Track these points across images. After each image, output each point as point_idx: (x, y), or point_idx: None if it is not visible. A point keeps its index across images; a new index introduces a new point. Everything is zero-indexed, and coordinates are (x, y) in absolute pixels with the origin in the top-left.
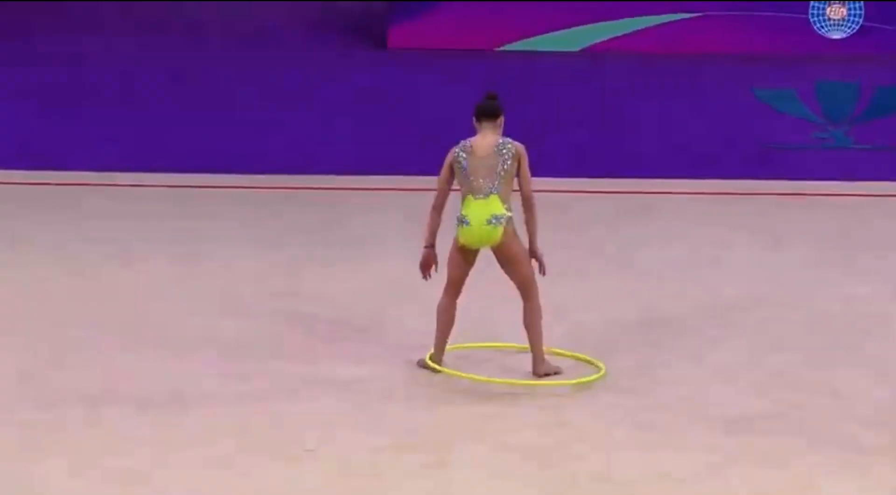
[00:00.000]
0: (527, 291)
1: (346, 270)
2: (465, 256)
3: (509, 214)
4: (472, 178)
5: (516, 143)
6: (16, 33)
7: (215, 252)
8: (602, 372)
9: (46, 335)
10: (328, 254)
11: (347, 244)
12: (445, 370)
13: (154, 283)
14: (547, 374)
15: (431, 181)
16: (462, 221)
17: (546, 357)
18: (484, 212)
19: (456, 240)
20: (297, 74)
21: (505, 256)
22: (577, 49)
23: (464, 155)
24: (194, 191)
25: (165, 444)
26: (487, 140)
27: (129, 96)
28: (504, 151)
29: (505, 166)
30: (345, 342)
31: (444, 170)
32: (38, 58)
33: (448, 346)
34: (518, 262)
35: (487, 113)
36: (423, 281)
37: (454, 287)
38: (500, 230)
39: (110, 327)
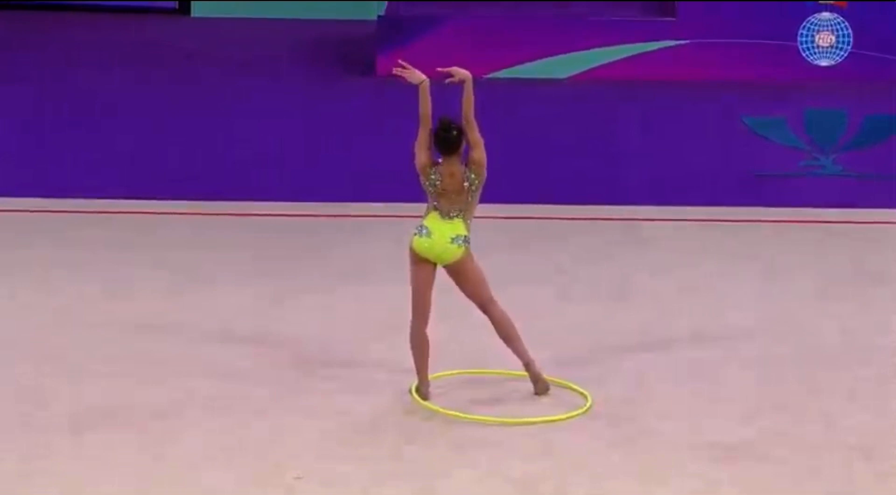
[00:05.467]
0: (487, 308)
1: (334, 298)
2: (422, 268)
3: (469, 236)
4: (442, 207)
5: (475, 169)
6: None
7: (202, 280)
8: (588, 404)
9: (33, 363)
10: (315, 283)
11: (335, 272)
12: (429, 405)
13: (142, 311)
14: (540, 380)
15: (421, 208)
16: (422, 230)
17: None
18: (448, 231)
19: (410, 252)
20: (286, 101)
21: (460, 273)
22: (564, 77)
23: (438, 182)
24: (180, 219)
25: (152, 473)
26: (455, 177)
27: (115, 123)
28: (472, 186)
29: (470, 197)
30: (333, 371)
31: (421, 147)
32: (25, 86)
33: (439, 373)
34: (477, 284)
35: (452, 147)
36: None
37: (418, 306)
38: (462, 250)
39: (98, 355)
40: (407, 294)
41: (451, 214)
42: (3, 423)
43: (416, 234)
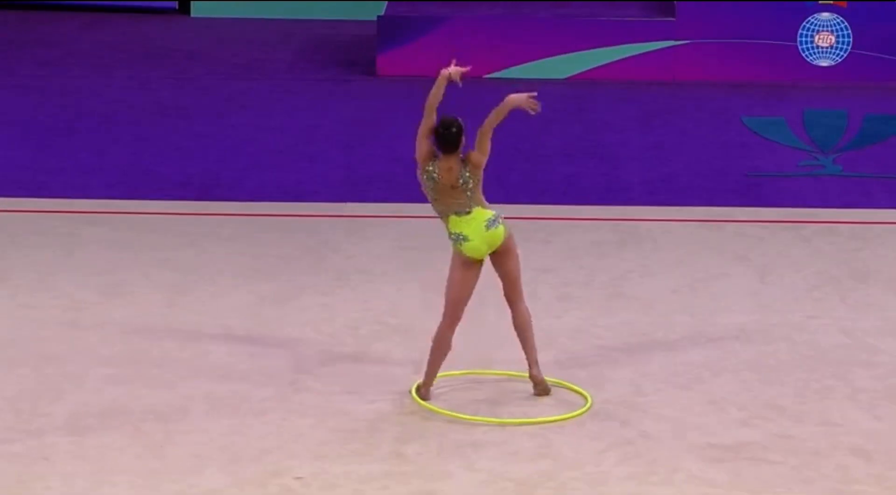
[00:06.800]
0: (517, 291)
1: (334, 298)
2: (470, 271)
3: (497, 213)
4: (442, 202)
5: (470, 163)
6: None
7: (202, 280)
8: (588, 404)
9: (33, 364)
10: (315, 283)
11: (335, 272)
12: (429, 405)
13: (141, 313)
14: (542, 382)
15: (420, 208)
16: (459, 239)
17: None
18: (478, 223)
19: (459, 258)
20: (286, 102)
21: (508, 250)
22: (563, 77)
23: (436, 176)
24: (180, 219)
25: (153, 474)
26: (452, 172)
27: (116, 125)
28: (466, 183)
29: (469, 193)
30: (333, 370)
31: (423, 137)
32: (24, 86)
33: (443, 373)
34: (514, 258)
35: (451, 145)
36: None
37: (455, 311)
38: (502, 227)
39: (97, 356)
40: (406, 294)
41: (465, 210)
42: (3, 424)
43: (459, 244)
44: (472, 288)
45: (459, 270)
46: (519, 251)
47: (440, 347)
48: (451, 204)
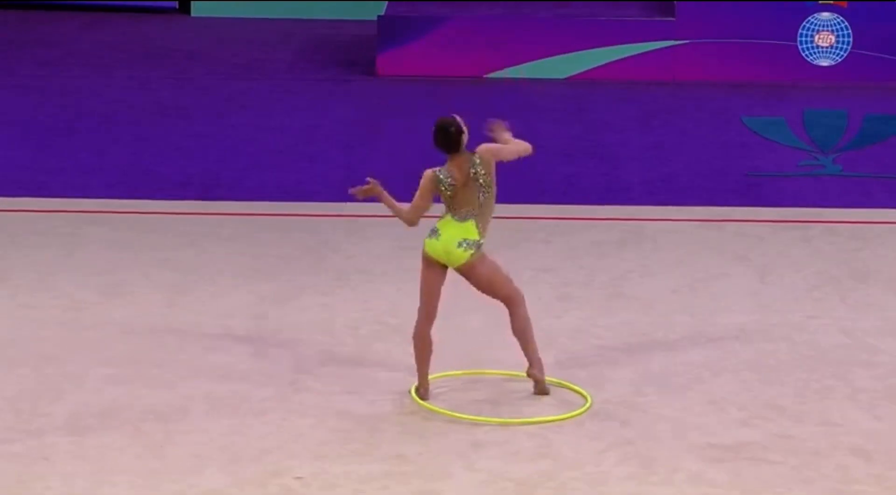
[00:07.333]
0: (511, 305)
1: (334, 298)
2: (431, 270)
3: (481, 241)
4: (457, 207)
5: (481, 154)
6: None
7: (202, 280)
8: (588, 403)
9: (33, 364)
10: (315, 283)
11: (335, 272)
12: (429, 405)
13: (141, 313)
14: (541, 382)
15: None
16: (433, 232)
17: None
18: (458, 234)
19: (422, 254)
20: (286, 102)
21: (475, 279)
22: (563, 77)
23: (450, 181)
24: (180, 219)
25: (153, 474)
26: (462, 169)
27: (116, 125)
28: (478, 176)
29: (482, 195)
30: (333, 370)
31: (424, 198)
32: (24, 86)
33: (439, 374)
34: (493, 283)
35: (452, 146)
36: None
37: (425, 305)
38: (468, 255)
39: (97, 356)
40: (406, 294)
41: (465, 216)
42: (3, 424)
43: (427, 235)
44: (438, 286)
45: (423, 264)
46: (486, 270)
47: (419, 345)
48: (460, 208)
